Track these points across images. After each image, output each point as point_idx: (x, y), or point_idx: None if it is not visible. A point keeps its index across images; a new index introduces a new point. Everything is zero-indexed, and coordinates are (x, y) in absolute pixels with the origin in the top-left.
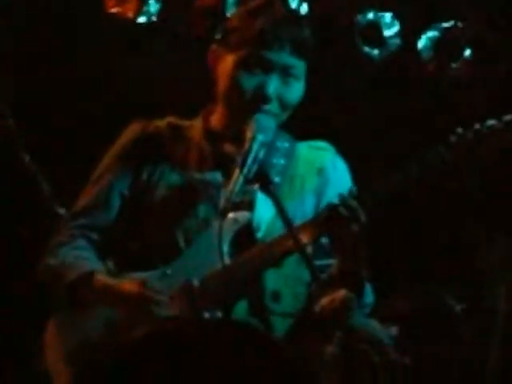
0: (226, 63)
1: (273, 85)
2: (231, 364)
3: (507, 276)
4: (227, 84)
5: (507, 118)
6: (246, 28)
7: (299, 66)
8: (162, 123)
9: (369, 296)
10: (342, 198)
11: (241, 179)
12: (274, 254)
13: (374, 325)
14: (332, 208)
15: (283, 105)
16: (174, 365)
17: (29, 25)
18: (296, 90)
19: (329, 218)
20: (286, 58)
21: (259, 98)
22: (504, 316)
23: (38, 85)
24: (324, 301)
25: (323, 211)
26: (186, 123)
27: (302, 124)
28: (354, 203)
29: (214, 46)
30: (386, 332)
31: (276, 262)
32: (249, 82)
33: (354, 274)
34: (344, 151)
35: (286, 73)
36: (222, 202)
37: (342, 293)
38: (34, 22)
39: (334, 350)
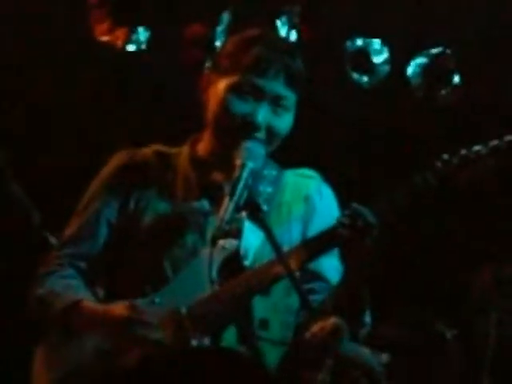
0: (218, 88)
1: (263, 113)
2: None
3: (497, 302)
4: (217, 108)
5: (493, 143)
6: (241, 54)
7: (291, 97)
8: (148, 151)
9: (367, 316)
10: (355, 210)
11: (231, 207)
12: (262, 280)
13: (365, 352)
14: (346, 218)
15: (271, 134)
16: None
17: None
18: (285, 121)
19: (343, 229)
20: (279, 88)
21: (248, 125)
22: (494, 341)
23: (24, 113)
24: (314, 328)
25: (338, 222)
26: (173, 151)
27: (287, 151)
28: (370, 216)
29: (206, 71)
30: (377, 359)
31: (264, 288)
32: (239, 108)
33: (359, 291)
34: (331, 178)
35: (276, 103)
36: (212, 230)
37: (332, 320)
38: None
39: (325, 377)
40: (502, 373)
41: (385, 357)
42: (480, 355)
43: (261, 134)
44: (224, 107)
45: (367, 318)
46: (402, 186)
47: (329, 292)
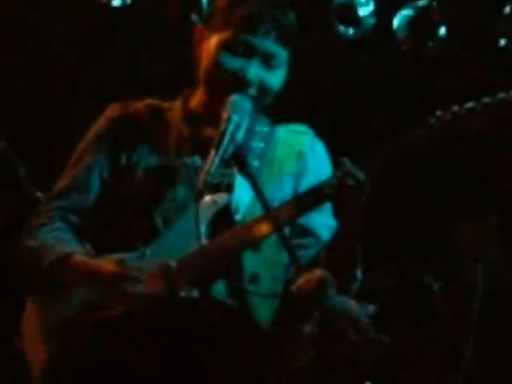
0: (209, 44)
1: (254, 69)
2: (208, 342)
3: (484, 253)
4: (208, 64)
5: (485, 100)
6: (233, 10)
7: (282, 54)
8: (141, 105)
9: (359, 271)
10: (346, 168)
11: (216, 160)
12: (252, 235)
13: (351, 303)
14: (337, 177)
15: (263, 90)
16: (150, 343)
17: None
18: (277, 78)
19: (336, 186)
20: (270, 45)
21: (239, 81)
22: (481, 292)
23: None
24: (300, 281)
25: (329, 180)
26: (166, 105)
27: (277, 106)
28: (361, 175)
29: (199, 26)
30: (363, 310)
31: (253, 243)
32: (230, 64)
33: (352, 246)
34: (320, 132)
35: (268, 60)
36: (198, 183)
37: (318, 273)
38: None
39: (312, 329)
40: (489, 323)
41: (371, 308)
42: (467, 306)
43: (252, 91)
44: (215, 63)
45: (358, 273)
46: (393, 141)
47: (320, 247)
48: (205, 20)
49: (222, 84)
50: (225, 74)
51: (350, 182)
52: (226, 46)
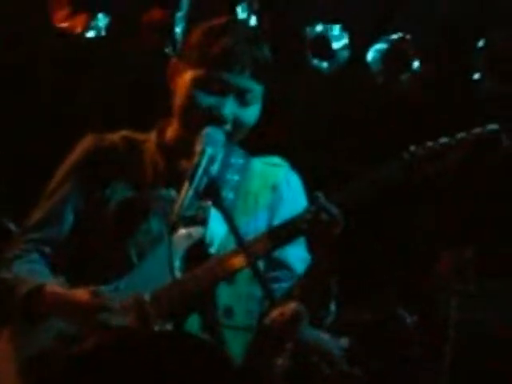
0: (184, 80)
1: (229, 107)
2: (181, 376)
3: (457, 287)
4: (183, 101)
5: (459, 136)
6: (208, 46)
7: (257, 89)
8: (116, 137)
9: (333, 304)
10: (322, 203)
11: (190, 193)
12: (226, 268)
13: (325, 337)
14: (311, 212)
15: (238, 126)
16: (123, 375)
17: None
18: (252, 112)
19: (310, 221)
20: (245, 81)
21: (214, 118)
22: (455, 326)
23: None
24: (274, 313)
25: (303, 214)
26: (141, 137)
27: (253, 139)
28: (335, 210)
29: (173, 60)
30: (337, 344)
31: (227, 277)
32: (205, 102)
33: (326, 280)
34: (295, 165)
35: (242, 96)
36: (171, 216)
37: (291, 305)
38: None
39: (285, 362)
40: (463, 356)
41: (344, 341)
42: (440, 339)
43: (227, 127)
44: (190, 101)
45: (332, 307)
46: (367, 177)
47: (294, 281)
48: (179, 54)
49: (197, 120)
50: (199, 111)
51: (324, 216)
52: (200, 84)
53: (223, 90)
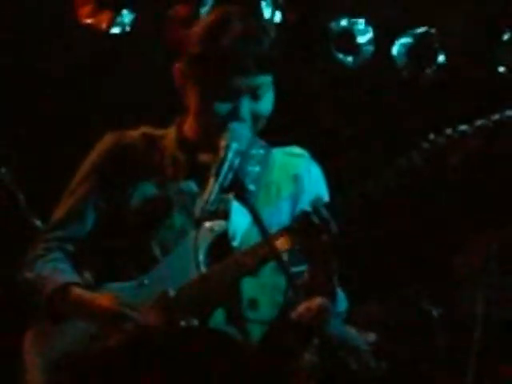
0: (194, 93)
1: (244, 108)
2: (205, 372)
3: (482, 280)
4: (199, 110)
5: (478, 123)
6: (207, 60)
7: (267, 80)
8: (136, 134)
9: (342, 304)
10: (314, 208)
11: (216, 188)
12: (250, 262)
13: (351, 332)
14: (304, 216)
15: (256, 118)
16: (148, 371)
17: None
18: (267, 103)
19: (300, 227)
20: (253, 80)
21: (233, 120)
22: (481, 320)
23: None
24: (301, 308)
25: (295, 219)
26: (160, 133)
27: (276, 131)
28: (325, 213)
29: (179, 67)
30: (363, 338)
31: (252, 270)
32: (220, 109)
33: (325, 284)
34: (318, 158)
35: (255, 92)
36: (197, 212)
37: (318, 300)
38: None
39: (312, 357)
40: (488, 350)
41: (371, 336)
42: (466, 333)
43: (247, 123)
44: (205, 111)
45: (340, 307)
46: (388, 168)
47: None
48: (185, 64)
49: (216, 124)
50: (217, 117)
51: (315, 220)
52: (212, 97)
53: (236, 94)
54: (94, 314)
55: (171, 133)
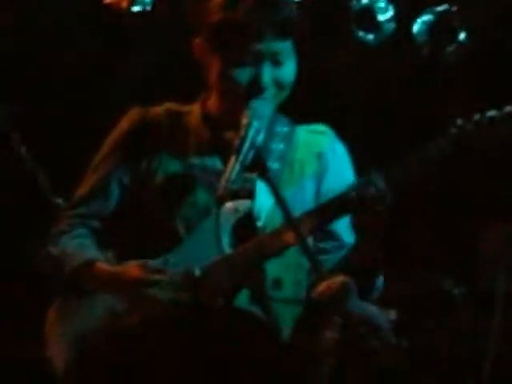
0: (215, 63)
1: (266, 74)
2: (230, 351)
3: (505, 260)
4: (220, 82)
5: (508, 109)
6: (226, 27)
7: (287, 47)
8: (160, 109)
9: (380, 279)
10: (370, 178)
11: (237, 166)
12: (275, 245)
13: (372, 309)
14: (360, 187)
15: (279, 86)
16: (170, 351)
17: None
18: (289, 70)
19: (356, 198)
20: (272, 45)
21: (254, 89)
22: (502, 300)
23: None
24: (321, 286)
25: (350, 189)
26: (185, 109)
27: (298, 108)
28: (381, 184)
29: (198, 41)
30: (385, 316)
31: (277, 254)
32: (242, 76)
33: (372, 255)
34: (341, 136)
35: (275, 58)
36: (218, 190)
37: (339, 278)
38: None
39: (333, 334)
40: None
41: (392, 314)
42: (488, 311)
43: (270, 92)
44: (227, 81)
45: (379, 282)
46: (415, 152)
47: (342, 253)
48: (204, 37)
49: (239, 95)
50: (239, 85)
51: (372, 191)
52: (232, 64)
53: (256, 60)
54: (122, 283)
55: (196, 109)
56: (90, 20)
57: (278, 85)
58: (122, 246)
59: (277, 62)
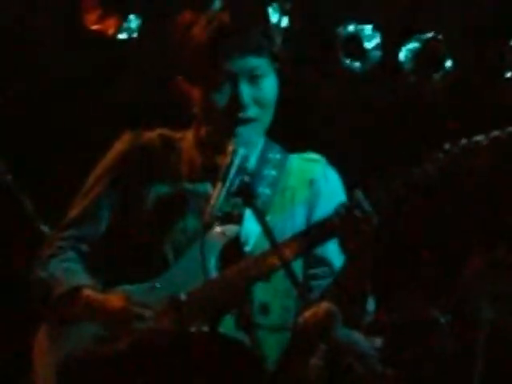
0: (196, 94)
1: (244, 92)
2: (214, 378)
3: (488, 287)
4: (203, 110)
5: (494, 133)
6: (195, 53)
7: (262, 63)
8: (153, 134)
9: (371, 304)
10: (356, 200)
11: (223, 193)
12: (261, 269)
13: (358, 337)
14: (346, 209)
15: (260, 104)
16: (156, 377)
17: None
18: (269, 87)
19: (342, 220)
20: (246, 62)
21: (236, 109)
22: (487, 326)
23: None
24: (307, 313)
25: (335, 212)
26: (178, 135)
27: (287, 137)
28: (367, 205)
29: (179, 78)
30: (370, 344)
31: (262, 277)
32: (221, 99)
33: (360, 279)
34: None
35: (251, 74)
36: (205, 216)
37: (324, 305)
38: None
39: (318, 362)
40: (495, 357)
41: (378, 341)
42: (473, 339)
43: (252, 111)
44: (209, 107)
45: (370, 306)
46: (400, 176)
47: (331, 280)
48: (182, 73)
49: (222, 120)
50: (221, 110)
51: (357, 213)
52: (210, 90)
53: (232, 80)
54: (106, 314)
55: (189, 135)
56: (79, 46)
57: (259, 102)
58: (110, 269)
59: (254, 80)
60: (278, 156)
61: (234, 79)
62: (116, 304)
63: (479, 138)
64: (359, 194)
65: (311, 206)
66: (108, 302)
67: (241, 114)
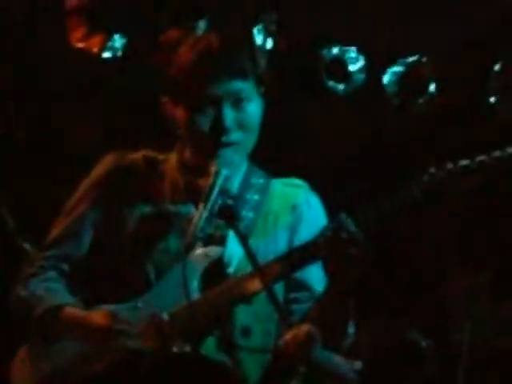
0: (180, 115)
1: (228, 116)
2: None
3: (471, 310)
4: (187, 131)
5: (479, 158)
6: (180, 75)
7: (247, 87)
8: (137, 155)
9: (351, 326)
10: (340, 222)
11: (205, 214)
12: (243, 291)
13: (338, 360)
14: (330, 230)
15: (244, 128)
16: None
17: None
18: (252, 110)
19: (327, 240)
20: (230, 86)
21: (219, 132)
22: (469, 349)
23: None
24: (287, 336)
25: (320, 235)
26: (161, 157)
27: (268, 158)
28: (352, 227)
29: (164, 99)
30: (350, 367)
31: (244, 299)
32: (204, 122)
33: (343, 302)
34: (315, 189)
35: (236, 99)
36: (186, 237)
37: (305, 327)
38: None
39: None
40: (477, 379)
41: (358, 364)
42: (455, 362)
43: (235, 135)
44: (193, 129)
45: (350, 329)
46: (386, 199)
47: (313, 302)
48: (168, 94)
49: (204, 142)
50: (203, 133)
51: (343, 235)
52: (193, 110)
53: (214, 103)
54: (88, 331)
55: (172, 157)
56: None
57: (242, 126)
58: (91, 289)
59: (238, 103)
60: (260, 181)
61: (217, 102)
62: (100, 320)
63: (464, 162)
64: (343, 216)
65: (293, 231)
66: (91, 319)
67: (223, 138)
